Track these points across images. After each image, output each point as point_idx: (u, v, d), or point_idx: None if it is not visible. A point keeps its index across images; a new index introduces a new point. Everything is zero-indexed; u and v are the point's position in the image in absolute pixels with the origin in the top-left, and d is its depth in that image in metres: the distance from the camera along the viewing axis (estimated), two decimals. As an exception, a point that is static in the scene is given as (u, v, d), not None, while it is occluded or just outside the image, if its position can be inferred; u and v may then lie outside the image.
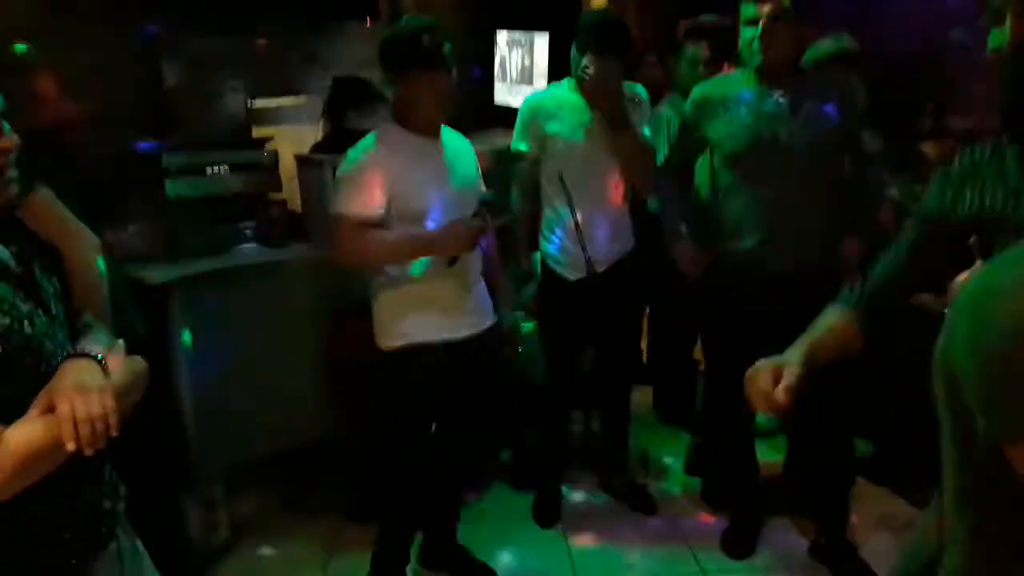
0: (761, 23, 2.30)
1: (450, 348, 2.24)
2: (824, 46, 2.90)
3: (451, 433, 2.38)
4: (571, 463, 3.13)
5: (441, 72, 2.12)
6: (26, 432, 1.13)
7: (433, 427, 2.34)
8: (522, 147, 2.71)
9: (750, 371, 1.41)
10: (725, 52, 3.60)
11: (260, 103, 3.49)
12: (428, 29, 2.12)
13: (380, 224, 2.13)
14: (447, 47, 2.12)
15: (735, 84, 2.47)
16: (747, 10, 2.34)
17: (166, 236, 2.63)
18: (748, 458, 2.74)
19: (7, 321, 1.16)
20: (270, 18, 3.53)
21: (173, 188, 2.64)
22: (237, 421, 2.63)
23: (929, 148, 3.69)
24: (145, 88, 3.19)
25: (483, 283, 2.38)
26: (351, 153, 2.18)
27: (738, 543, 2.72)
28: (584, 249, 2.65)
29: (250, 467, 2.76)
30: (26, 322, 1.20)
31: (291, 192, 3.01)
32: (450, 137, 2.31)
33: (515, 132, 2.74)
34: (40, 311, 1.25)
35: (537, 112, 2.68)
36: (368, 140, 2.19)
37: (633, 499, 2.98)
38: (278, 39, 3.61)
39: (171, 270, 2.53)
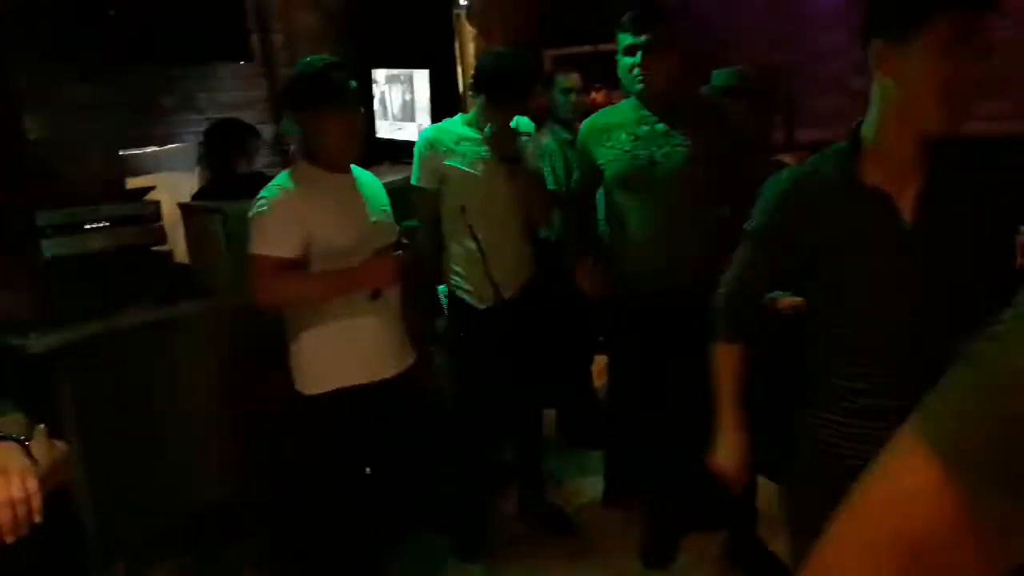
0: (639, 52, 2.41)
1: (376, 388, 2.21)
2: (719, 78, 3.07)
3: (383, 474, 2.35)
4: (490, 493, 3.13)
5: (351, 108, 2.13)
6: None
7: (366, 470, 2.30)
8: (422, 182, 2.73)
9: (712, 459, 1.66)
10: (593, 78, 3.79)
11: (131, 151, 3.32)
12: (336, 67, 2.13)
13: (298, 264, 2.10)
14: (353, 84, 2.14)
15: (619, 112, 2.60)
16: (624, 39, 2.44)
17: (45, 300, 2.45)
18: (660, 468, 2.85)
19: None
20: (138, 62, 3.37)
21: (49, 248, 2.47)
22: (139, 491, 2.48)
23: (788, 160, 3.96)
24: (7, 142, 2.97)
25: (402, 319, 2.36)
26: (264, 192, 2.14)
27: (655, 553, 2.80)
28: (490, 278, 2.69)
29: (159, 537, 2.60)
30: None
31: (174, 243, 2.88)
32: (360, 172, 2.31)
33: (414, 168, 2.75)
34: None
35: (434, 147, 2.72)
36: (281, 179, 2.16)
37: (552, 522, 3.02)
38: (147, 84, 3.45)
39: (53, 336, 2.36)
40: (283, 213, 2.09)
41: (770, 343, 3.04)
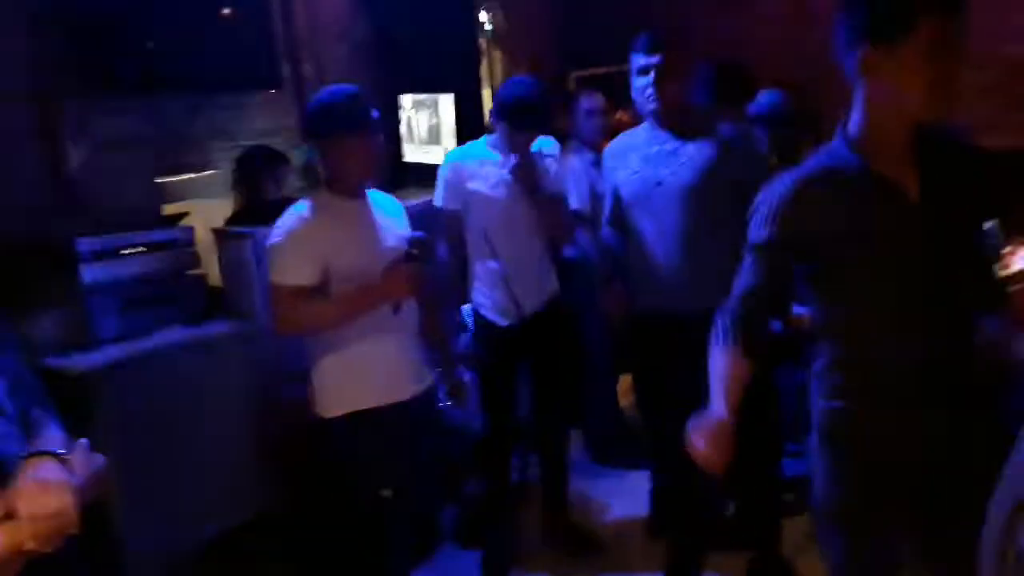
0: (652, 73, 2.42)
1: (395, 409, 2.24)
2: (765, 100, 3.09)
3: (404, 496, 2.37)
4: (515, 512, 3.15)
5: (372, 135, 2.17)
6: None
7: (388, 492, 2.32)
8: (445, 203, 2.79)
9: (689, 435, 1.63)
10: (617, 99, 3.83)
11: (167, 179, 3.43)
12: (354, 95, 2.17)
13: (318, 290, 2.14)
14: (372, 111, 2.18)
15: (635, 134, 2.61)
16: (637, 60, 2.45)
17: (85, 322, 2.55)
18: (693, 491, 2.85)
19: None
20: (172, 91, 3.49)
21: (89, 273, 2.57)
22: (172, 509, 2.55)
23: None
24: (48, 171, 3.10)
25: (420, 339, 2.39)
26: (282, 221, 2.18)
27: (683, 570, 2.79)
28: (513, 296, 2.73)
29: (192, 554, 2.66)
30: None
31: (209, 267, 2.97)
32: (376, 197, 2.34)
33: (437, 190, 2.82)
34: None
35: (458, 170, 2.77)
36: (299, 207, 2.20)
37: (578, 541, 3.03)
38: (182, 113, 3.56)
39: (93, 357, 2.45)
40: (299, 241, 2.12)
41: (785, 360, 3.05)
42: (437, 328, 2.49)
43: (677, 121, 2.48)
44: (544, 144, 2.85)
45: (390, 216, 2.33)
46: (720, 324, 1.69)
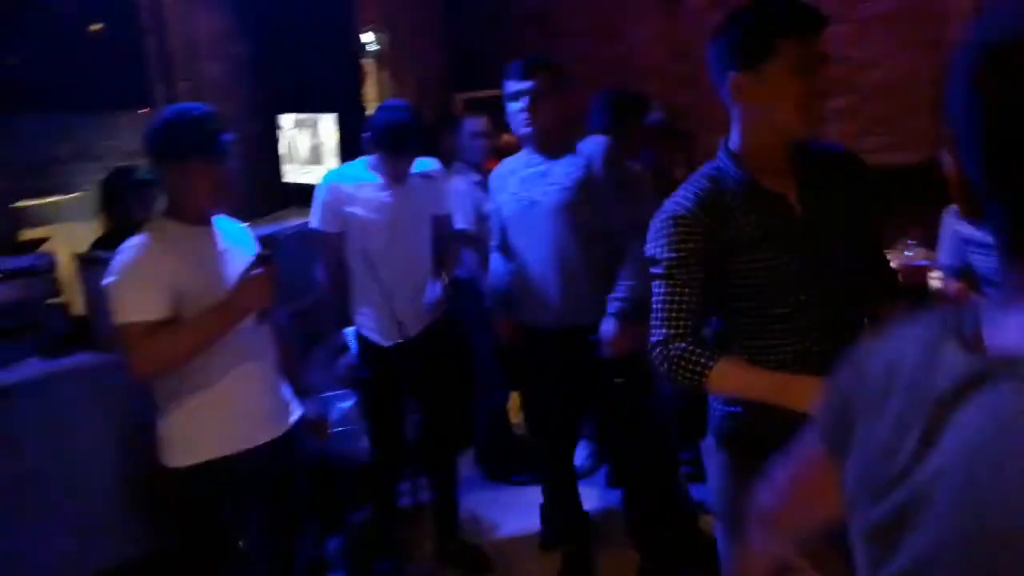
0: (526, 98, 2.49)
1: (252, 455, 2.09)
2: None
3: (273, 537, 2.24)
4: (405, 536, 3.11)
5: (219, 160, 2.02)
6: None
7: (243, 543, 2.18)
8: (324, 226, 2.75)
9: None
10: (503, 122, 3.88)
11: (27, 203, 3.24)
12: (207, 115, 2.03)
13: (167, 325, 1.95)
14: (224, 135, 2.04)
15: (516, 159, 2.69)
16: (511, 86, 2.52)
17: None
18: (572, 498, 2.90)
19: None
20: (35, 110, 3.31)
21: (-65, 304, 2.39)
22: (33, 553, 2.38)
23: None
24: None
25: (281, 376, 2.24)
26: (119, 256, 1.98)
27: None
28: (395, 317, 2.71)
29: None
30: None
31: (72, 295, 2.81)
32: (223, 224, 2.17)
33: (315, 213, 2.77)
34: None
35: (337, 192, 2.74)
36: (136, 239, 2.00)
37: (470, 560, 3.01)
38: (44, 133, 3.38)
39: None
40: (142, 274, 1.94)
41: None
42: (290, 359, 2.33)
43: (550, 143, 2.55)
44: (425, 165, 2.85)
45: (238, 244, 2.16)
46: (675, 356, 1.57)
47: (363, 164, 2.80)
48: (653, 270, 1.62)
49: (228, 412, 2.05)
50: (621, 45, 5.73)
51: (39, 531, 2.40)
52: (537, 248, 2.55)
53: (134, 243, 1.99)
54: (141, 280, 1.94)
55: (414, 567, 3.05)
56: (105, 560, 2.53)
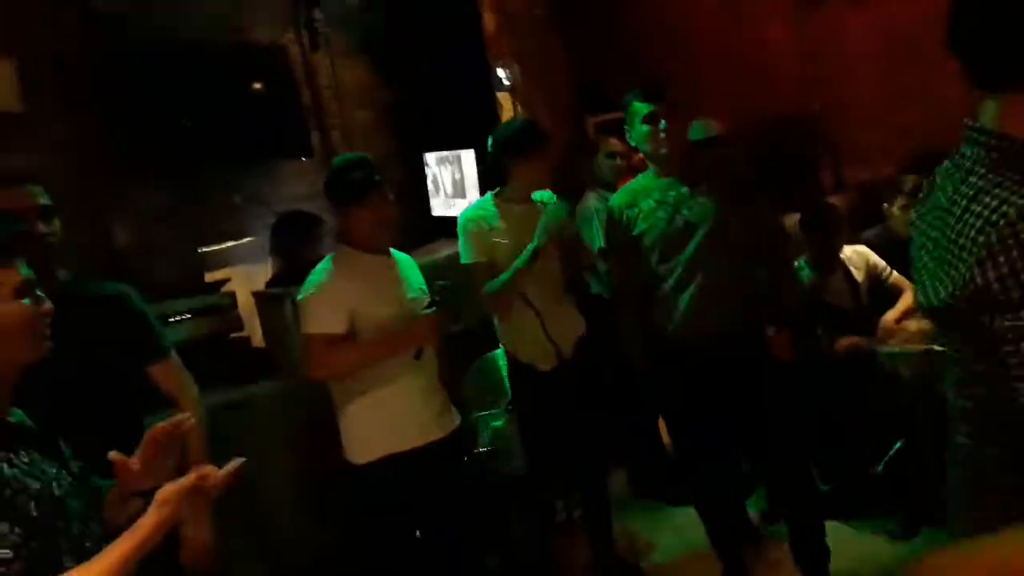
0: (662, 121, 2.51)
1: (422, 453, 2.33)
2: (692, 132, 3.18)
3: (438, 538, 2.43)
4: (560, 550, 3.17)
5: (376, 199, 2.35)
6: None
7: (417, 533, 2.39)
8: (472, 259, 2.82)
9: None
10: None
11: (209, 248, 3.60)
12: (359, 164, 2.37)
13: (345, 339, 2.27)
14: (378, 177, 2.36)
15: (643, 181, 2.70)
16: (641, 108, 2.54)
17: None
18: (730, 521, 2.86)
19: (38, 485, 1.24)
20: (210, 163, 3.68)
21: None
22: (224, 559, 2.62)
23: (836, 202, 3.98)
24: (99, 249, 3.27)
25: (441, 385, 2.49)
26: (311, 277, 2.34)
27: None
28: (551, 340, 2.79)
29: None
30: (54, 484, 1.27)
31: (252, 329, 3.10)
32: (397, 255, 2.50)
33: (462, 247, 2.83)
34: (64, 471, 1.32)
35: (479, 224, 2.82)
36: (325, 263, 2.37)
37: (624, 575, 3.04)
38: (219, 183, 3.75)
39: (147, 419, 2.55)
40: (328, 293, 2.28)
41: (831, 383, 3.07)
42: (448, 376, 2.58)
43: (681, 163, 2.58)
44: (543, 195, 2.89)
45: (409, 272, 2.49)
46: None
47: (490, 198, 2.88)
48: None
49: (399, 413, 2.33)
50: (748, 55, 5.66)
51: (234, 537, 2.64)
52: (689, 267, 2.55)
53: (322, 268, 2.34)
54: (327, 298, 2.27)
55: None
56: (287, 564, 2.75)
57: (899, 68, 5.23)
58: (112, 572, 1.20)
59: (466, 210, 2.98)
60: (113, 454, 1.38)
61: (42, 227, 1.93)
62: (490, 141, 2.83)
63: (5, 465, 1.21)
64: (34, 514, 1.20)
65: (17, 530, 1.17)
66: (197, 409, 2.08)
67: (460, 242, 2.83)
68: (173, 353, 2.16)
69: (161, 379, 2.10)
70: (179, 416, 1.47)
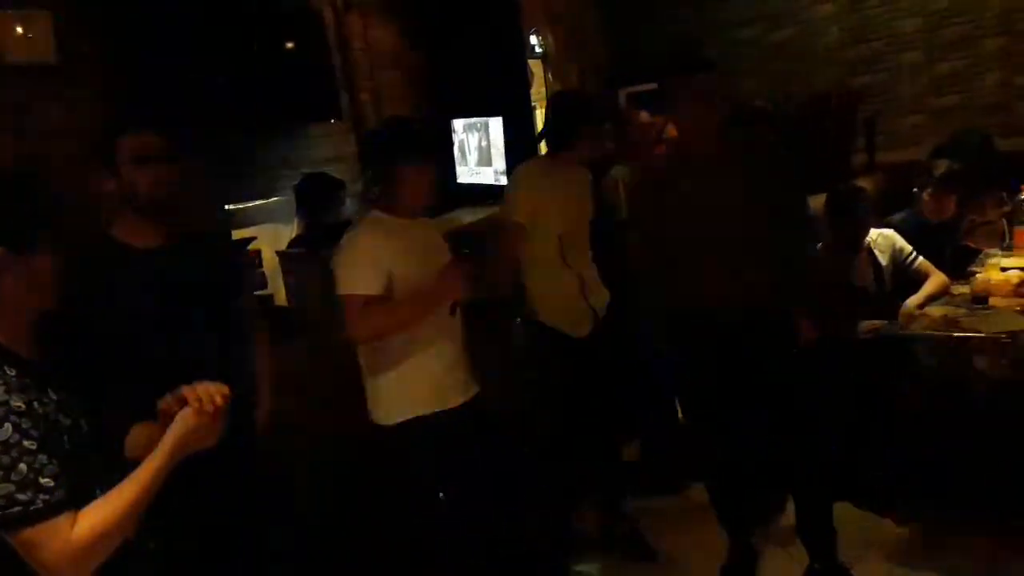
0: (696, 95, 2.47)
1: (447, 417, 2.37)
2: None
3: (461, 502, 2.46)
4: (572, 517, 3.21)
5: (428, 164, 2.33)
6: (99, 514, 1.28)
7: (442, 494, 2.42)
8: (515, 216, 2.83)
9: None
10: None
11: (236, 206, 3.65)
12: (418, 126, 2.38)
13: (383, 300, 2.27)
14: (428, 140, 2.36)
15: (672, 156, 2.68)
16: (676, 81, 2.52)
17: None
18: (739, 493, 2.88)
19: (68, 421, 1.33)
20: (239, 123, 3.71)
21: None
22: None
23: (865, 184, 3.93)
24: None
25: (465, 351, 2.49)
26: (347, 238, 2.34)
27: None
28: (589, 304, 2.81)
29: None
30: (82, 420, 1.38)
31: (275, 288, 3.15)
32: (423, 219, 2.47)
33: (509, 204, 2.87)
34: (94, 410, 1.41)
35: (526, 184, 2.86)
36: (361, 226, 2.38)
37: (634, 547, 3.08)
38: (249, 144, 3.78)
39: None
40: (365, 255, 2.28)
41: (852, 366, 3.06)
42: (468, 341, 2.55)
43: (710, 144, 2.54)
44: None
45: (435, 236, 2.50)
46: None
47: (545, 158, 2.92)
48: None
49: (425, 377, 2.35)
50: (788, 29, 5.57)
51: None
52: (709, 246, 2.53)
53: (359, 229, 2.36)
54: (365, 260, 2.28)
55: (580, 548, 3.13)
56: (310, 526, 2.81)
57: (941, 52, 5.14)
58: (133, 496, 1.31)
59: (518, 168, 3.00)
60: (164, 402, 1.44)
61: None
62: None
63: (36, 403, 1.27)
64: (67, 447, 1.29)
65: (55, 461, 1.25)
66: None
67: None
68: None
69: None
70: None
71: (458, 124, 4.40)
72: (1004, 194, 3.60)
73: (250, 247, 3.20)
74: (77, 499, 1.26)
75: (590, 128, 2.82)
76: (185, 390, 1.39)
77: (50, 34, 2.99)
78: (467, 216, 3.75)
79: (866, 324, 3.19)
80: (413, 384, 2.35)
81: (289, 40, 4.00)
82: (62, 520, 1.23)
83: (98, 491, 1.32)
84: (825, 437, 2.74)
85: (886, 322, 3.14)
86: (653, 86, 4.66)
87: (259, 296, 3.05)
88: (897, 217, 3.57)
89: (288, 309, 3.07)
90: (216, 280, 2.16)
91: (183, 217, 2.12)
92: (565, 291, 2.84)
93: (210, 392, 1.38)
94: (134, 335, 1.97)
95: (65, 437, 1.29)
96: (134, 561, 1.41)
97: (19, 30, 2.93)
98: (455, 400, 2.40)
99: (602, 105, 2.88)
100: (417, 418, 2.35)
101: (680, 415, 3.39)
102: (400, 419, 2.36)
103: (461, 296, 2.30)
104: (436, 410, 2.36)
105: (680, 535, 3.17)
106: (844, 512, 2.91)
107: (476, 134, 4.28)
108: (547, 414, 2.97)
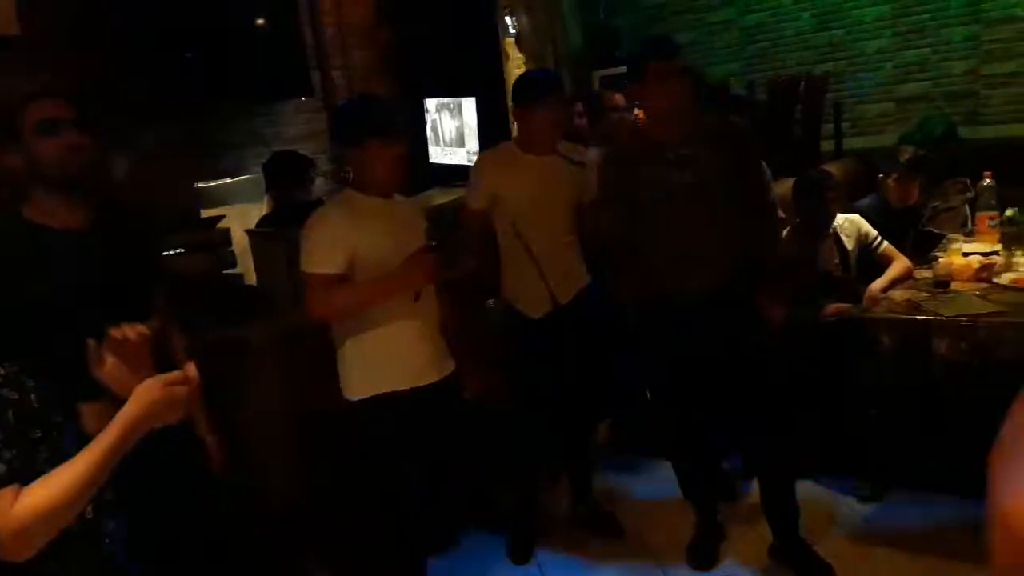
0: (667, 80, 2.50)
1: (415, 394, 2.37)
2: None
3: (424, 478, 2.48)
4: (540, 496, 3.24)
5: (397, 141, 2.31)
6: (44, 490, 1.23)
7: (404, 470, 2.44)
8: (474, 203, 2.87)
9: None
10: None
11: (206, 184, 3.61)
12: (388, 104, 2.36)
13: (344, 279, 2.28)
14: (398, 118, 2.33)
15: (643, 138, 2.69)
16: (647, 66, 2.54)
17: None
18: (705, 471, 2.93)
19: (16, 396, 1.29)
20: (209, 99, 3.66)
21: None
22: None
23: (832, 170, 3.98)
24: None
25: (438, 331, 2.50)
26: (312, 217, 2.34)
27: (703, 553, 2.88)
28: (546, 284, 2.83)
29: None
30: (33, 396, 1.32)
31: (245, 267, 3.13)
32: (400, 199, 2.48)
33: (469, 191, 2.90)
34: (48, 385, 1.38)
35: (484, 171, 2.88)
36: (328, 204, 2.38)
37: (601, 524, 3.12)
38: (219, 121, 3.74)
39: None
40: (329, 234, 2.28)
41: (816, 348, 3.11)
42: (454, 322, 2.58)
43: (682, 124, 2.57)
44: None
45: (413, 216, 2.47)
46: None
47: (511, 143, 2.91)
48: None
49: (395, 354, 2.36)
50: (760, 14, 5.60)
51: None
52: (679, 222, 2.57)
53: (325, 208, 2.35)
54: (328, 239, 2.28)
55: (549, 528, 3.17)
56: (278, 503, 2.81)
57: (909, 39, 5.21)
58: (84, 472, 1.25)
59: (480, 155, 2.97)
60: (90, 342, 1.38)
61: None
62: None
63: None
64: (11, 422, 1.25)
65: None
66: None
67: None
68: None
69: None
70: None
71: (431, 104, 4.38)
72: (967, 181, 3.67)
73: (219, 225, 3.17)
74: (21, 474, 1.23)
75: (542, 104, 2.75)
76: (112, 330, 1.37)
77: (12, 5, 2.92)
78: (439, 197, 3.74)
79: (831, 307, 3.25)
80: (377, 361, 2.36)
81: (260, 16, 3.95)
82: (4, 494, 1.19)
83: (47, 468, 1.28)
84: (788, 417, 2.80)
85: (851, 305, 3.19)
86: (624, 69, 4.70)
87: (229, 275, 3.03)
88: (863, 202, 3.62)
89: (255, 288, 3.05)
90: (134, 269, 1.97)
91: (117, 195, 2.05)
92: (523, 273, 2.86)
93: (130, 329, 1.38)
94: (45, 330, 1.75)
95: (10, 412, 1.26)
96: (91, 539, 1.39)
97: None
98: (424, 379, 2.40)
99: (563, 84, 2.83)
100: (381, 395, 2.35)
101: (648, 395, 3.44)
102: (364, 395, 2.36)
103: (423, 285, 2.33)
104: (401, 388, 2.36)
105: (647, 514, 3.22)
106: (807, 490, 2.98)
107: (449, 114, 4.27)
108: (508, 390, 2.99)
